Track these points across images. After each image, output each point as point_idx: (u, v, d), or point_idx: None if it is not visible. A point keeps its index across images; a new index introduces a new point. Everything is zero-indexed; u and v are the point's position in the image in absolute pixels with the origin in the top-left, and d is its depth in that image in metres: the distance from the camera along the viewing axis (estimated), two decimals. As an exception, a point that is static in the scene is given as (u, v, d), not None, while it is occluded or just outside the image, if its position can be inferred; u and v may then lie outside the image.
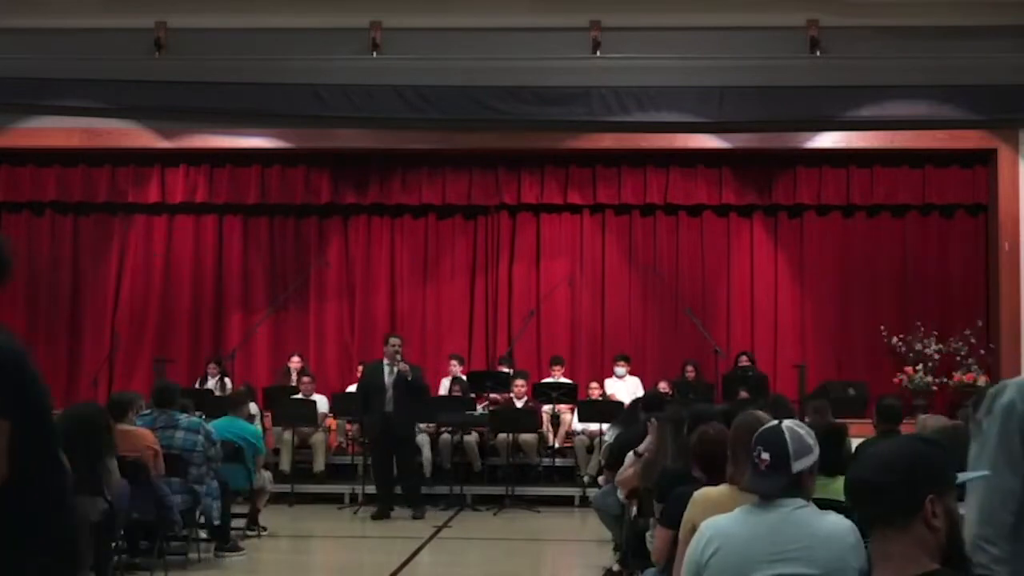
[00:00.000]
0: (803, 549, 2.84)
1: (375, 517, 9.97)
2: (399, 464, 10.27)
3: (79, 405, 6.76)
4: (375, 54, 11.61)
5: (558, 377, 11.78)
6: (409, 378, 10.15)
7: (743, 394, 10.76)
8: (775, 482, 2.95)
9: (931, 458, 2.08)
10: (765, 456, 2.99)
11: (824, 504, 3.10)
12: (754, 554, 2.87)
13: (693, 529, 3.58)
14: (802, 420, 7.36)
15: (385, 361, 10.23)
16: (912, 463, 2.04)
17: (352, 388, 11.82)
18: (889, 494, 2.02)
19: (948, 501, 2.04)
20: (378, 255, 13.25)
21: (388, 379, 10.11)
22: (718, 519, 3.01)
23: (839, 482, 4.84)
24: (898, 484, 2.02)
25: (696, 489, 3.91)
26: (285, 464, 10.96)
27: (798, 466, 2.95)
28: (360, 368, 12.07)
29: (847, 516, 2.86)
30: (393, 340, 10.34)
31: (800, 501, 2.93)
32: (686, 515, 3.74)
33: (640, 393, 10.53)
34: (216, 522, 7.86)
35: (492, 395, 11.45)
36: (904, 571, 1.99)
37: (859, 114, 11.25)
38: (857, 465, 2.12)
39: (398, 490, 10.30)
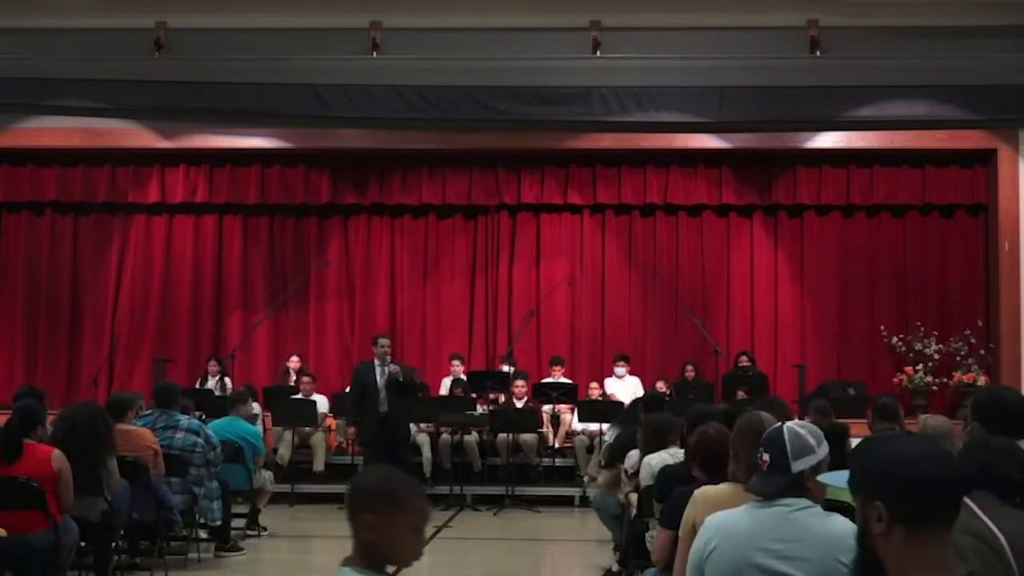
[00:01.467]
0: (797, 549, 2.86)
1: None
2: (397, 465, 10.25)
3: (78, 405, 6.76)
4: (375, 54, 11.61)
5: (558, 377, 11.78)
6: (400, 379, 10.16)
7: (742, 394, 10.78)
8: (775, 482, 2.98)
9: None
10: (766, 457, 3.03)
11: (827, 505, 3.10)
12: (750, 550, 2.89)
13: (693, 528, 3.61)
14: (802, 420, 7.37)
15: (376, 362, 10.23)
16: (959, 462, 2.02)
17: (352, 388, 11.85)
18: (958, 491, 1.97)
19: None
20: (378, 255, 13.26)
21: (380, 380, 10.12)
22: (721, 515, 3.03)
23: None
24: (962, 480, 1.99)
25: (696, 489, 3.91)
26: (284, 452, 10.93)
27: (798, 466, 2.97)
28: (360, 370, 12.11)
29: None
30: (383, 341, 10.35)
31: (804, 502, 2.94)
32: (686, 514, 3.75)
33: (640, 393, 10.53)
34: (216, 523, 7.86)
35: (492, 395, 11.43)
36: (944, 572, 1.93)
37: (859, 114, 11.25)
38: (926, 461, 1.95)
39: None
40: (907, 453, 1.98)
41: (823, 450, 3.03)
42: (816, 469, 3.00)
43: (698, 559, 2.98)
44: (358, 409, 10.22)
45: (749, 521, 2.95)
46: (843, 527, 2.88)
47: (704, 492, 3.82)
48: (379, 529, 2.43)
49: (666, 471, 5.17)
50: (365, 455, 10.57)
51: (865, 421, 9.36)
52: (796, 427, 3.07)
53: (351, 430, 10.30)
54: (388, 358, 10.25)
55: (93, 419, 6.30)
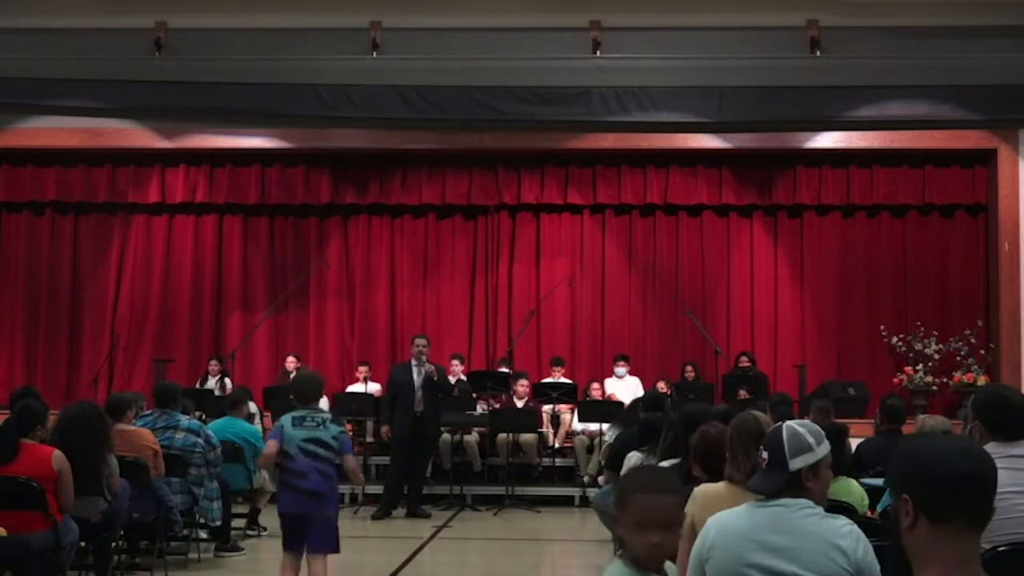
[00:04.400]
0: (794, 548, 2.86)
1: (376, 517, 9.97)
2: (418, 464, 10.32)
3: (76, 404, 6.74)
4: (375, 54, 11.60)
5: (558, 377, 11.78)
6: (435, 379, 10.22)
7: (743, 394, 10.78)
8: (772, 480, 2.99)
9: None
10: (765, 455, 3.05)
11: (829, 506, 3.11)
12: (747, 549, 2.89)
13: (693, 525, 3.63)
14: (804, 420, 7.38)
15: (412, 362, 10.25)
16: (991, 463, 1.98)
17: (353, 388, 11.85)
18: (993, 492, 1.95)
19: None
20: (378, 255, 13.26)
21: (417, 380, 10.13)
22: (721, 515, 3.05)
23: (839, 482, 4.87)
24: (991, 484, 1.95)
25: (695, 487, 3.93)
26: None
27: (795, 464, 2.98)
28: (364, 368, 12.13)
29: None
30: (419, 341, 10.37)
31: (803, 502, 2.94)
32: (688, 510, 3.76)
33: (640, 393, 10.53)
34: (216, 523, 7.86)
35: (492, 397, 11.41)
36: (966, 572, 1.92)
37: (859, 114, 11.23)
38: (971, 458, 1.96)
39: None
40: (937, 448, 1.99)
41: (823, 449, 3.03)
42: (815, 468, 3.00)
43: (699, 560, 2.99)
44: (392, 409, 10.21)
45: (748, 520, 2.96)
46: (840, 527, 2.89)
47: (704, 490, 3.84)
48: (619, 525, 2.59)
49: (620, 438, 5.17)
50: (393, 454, 10.47)
51: (865, 421, 9.39)
52: (795, 425, 3.08)
53: (384, 429, 10.32)
54: (424, 358, 10.27)
55: (88, 418, 6.29)
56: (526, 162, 12.92)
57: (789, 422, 3.10)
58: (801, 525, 2.88)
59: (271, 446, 5.88)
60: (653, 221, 13.12)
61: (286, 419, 5.87)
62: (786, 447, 2.98)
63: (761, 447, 3.09)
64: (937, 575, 1.92)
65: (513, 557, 8.77)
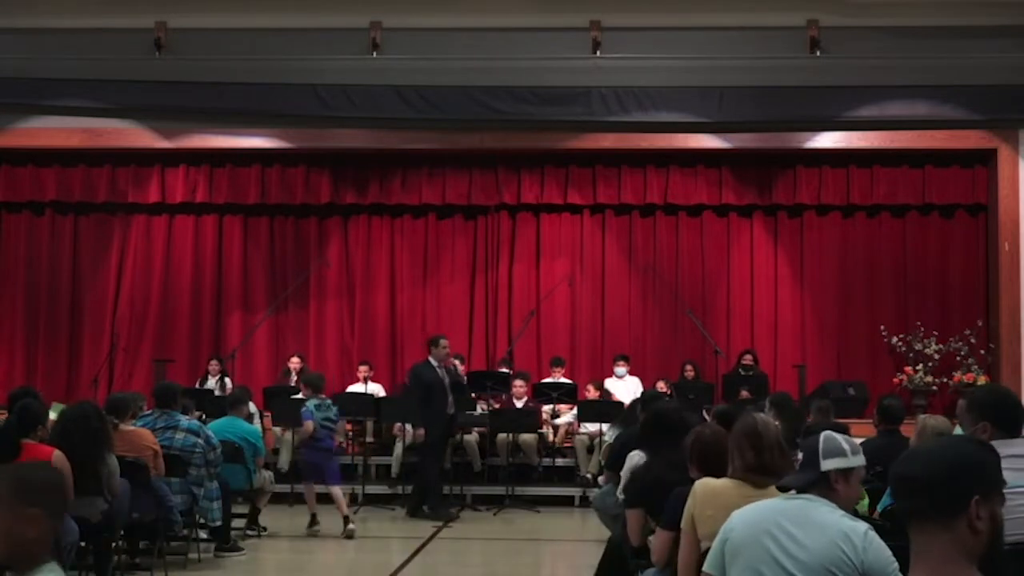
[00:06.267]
0: (803, 533, 2.92)
1: (447, 518, 9.90)
2: (435, 464, 10.34)
3: (75, 405, 6.75)
4: (375, 54, 11.59)
5: (558, 378, 11.78)
6: (463, 381, 10.36)
7: (744, 394, 10.78)
8: (801, 477, 3.10)
9: (981, 459, 2.10)
10: (799, 456, 3.16)
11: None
12: (762, 531, 2.96)
13: (693, 520, 3.69)
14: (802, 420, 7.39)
15: (434, 363, 10.20)
16: (961, 462, 2.06)
17: (354, 388, 11.85)
18: (934, 489, 2.02)
19: (994, 505, 2.05)
20: (378, 255, 13.26)
21: (447, 381, 10.17)
22: (745, 508, 3.11)
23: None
24: (945, 480, 2.03)
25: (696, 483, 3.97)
26: (284, 463, 10.96)
27: (827, 465, 3.07)
28: (365, 368, 12.12)
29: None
30: (444, 342, 10.34)
31: (825, 501, 3.02)
32: (688, 505, 3.81)
33: (640, 393, 10.53)
34: (216, 523, 7.86)
35: (491, 397, 11.40)
36: (940, 571, 2.00)
37: (859, 114, 11.23)
38: (905, 460, 2.12)
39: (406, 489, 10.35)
40: (904, 455, 2.14)
41: (856, 459, 3.12)
42: (847, 475, 3.08)
43: (720, 543, 3.05)
44: (424, 409, 10.18)
45: (770, 508, 3.05)
46: (855, 525, 2.95)
47: (704, 484, 3.88)
48: None
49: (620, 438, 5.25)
50: (429, 456, 10.35)
51: (865, 421, 9.39)
52: (834, 433, 3.19)
53: (419, 432, 10.34)
54: (449, 359, 10.34)
55: (87, 418, 6.29)
56: (526, 162, 12.92)
57: (827, 432, 3.21)
58: (818, 516, 2.96)
59: (308, 424, 9.00)
60: (653, 221, 13.12)
61: (311, 405, 9.12)
62: (820, 448, 3.09)
63: (797, 450, 3.19)
64: (922, 572, 2.02)
65: (513, 557, 8.77)
